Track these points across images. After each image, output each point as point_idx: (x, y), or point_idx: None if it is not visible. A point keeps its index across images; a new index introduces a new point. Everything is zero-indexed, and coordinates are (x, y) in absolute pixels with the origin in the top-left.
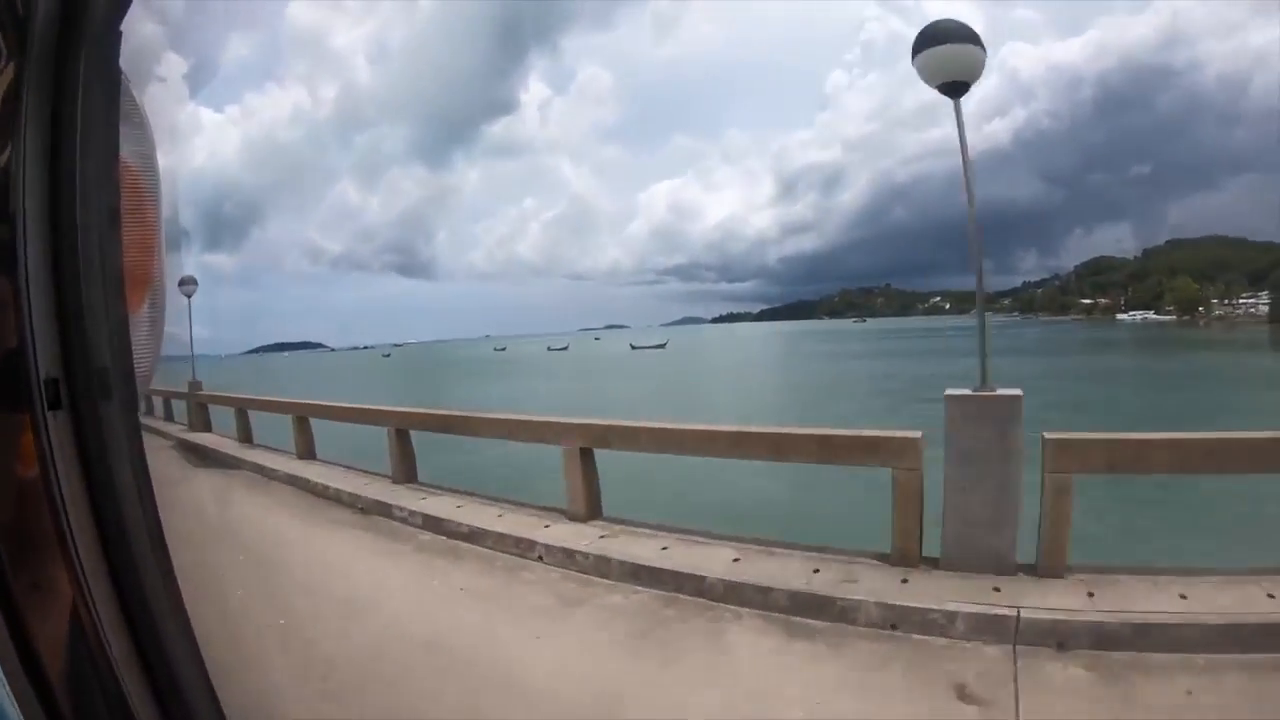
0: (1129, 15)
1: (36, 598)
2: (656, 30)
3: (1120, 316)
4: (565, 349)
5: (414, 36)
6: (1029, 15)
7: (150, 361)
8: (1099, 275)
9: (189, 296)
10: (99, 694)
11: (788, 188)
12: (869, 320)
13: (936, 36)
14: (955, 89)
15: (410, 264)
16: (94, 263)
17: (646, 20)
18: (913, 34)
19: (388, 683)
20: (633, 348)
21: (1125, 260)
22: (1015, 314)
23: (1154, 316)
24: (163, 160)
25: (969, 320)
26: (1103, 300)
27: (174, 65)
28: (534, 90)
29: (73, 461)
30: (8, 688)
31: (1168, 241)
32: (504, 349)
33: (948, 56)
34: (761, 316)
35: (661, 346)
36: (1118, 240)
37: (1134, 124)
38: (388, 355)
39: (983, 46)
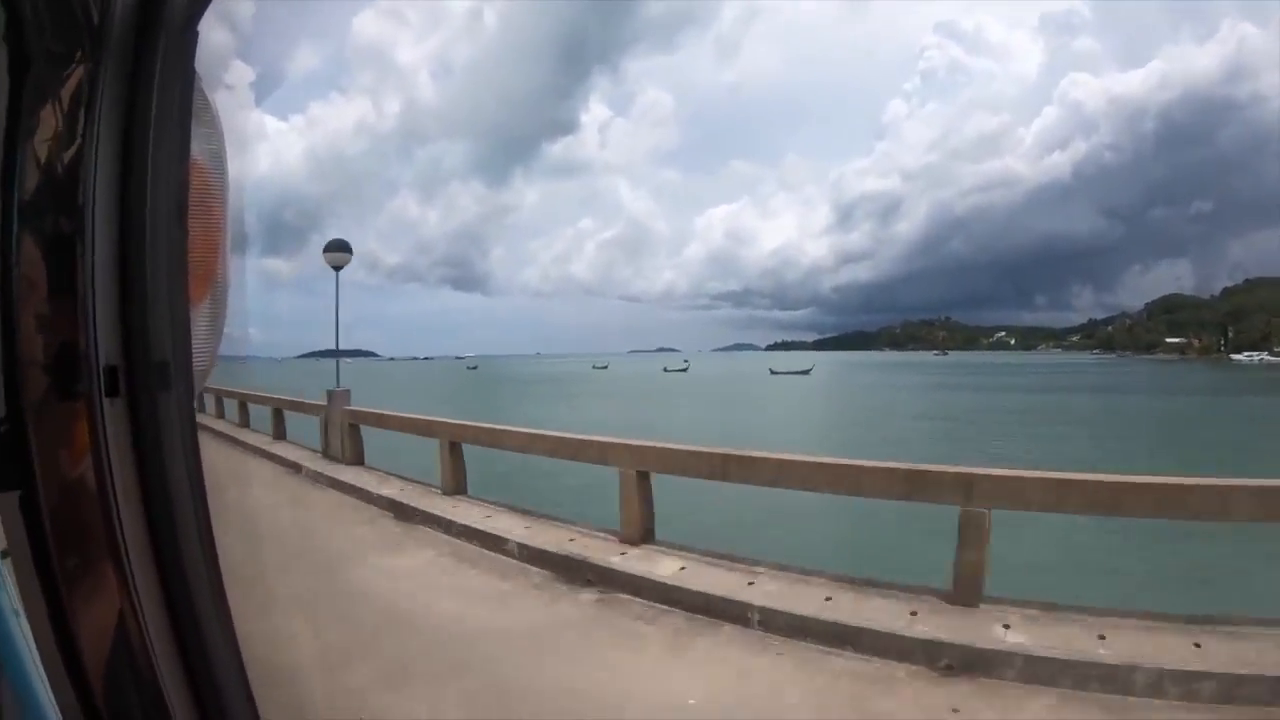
0: (1194, 45)
1: (79, 582)
2: (718, 54)
3: (1235, 357)
4: (685, 369)
5: (478, 54)
6: (1090, 45)
7: (209, 357)
8: (1171, 314)
9: (338, 269)
10: (134, 687)
11: (844, 216)
12: (949, 354)
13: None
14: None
15: (465, 278)
16: (160, 256)
17: (708, 45)
18: (974, 64)
19: None
20: (773, 372)
21: (1198, 299)
22: (1096, 351)
23: (1270, 357)
24: (230, 163)
25: (1039, 356)
26: (1196, 340)
27: (241, 73)
28: (595, 111)
29: (126, 450)
30: (43, 673)
31: (1246, 280)
32: (605, 366)
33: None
34: (819, 345)
35: (806, 372)
36: (1177, 278)
37: (1196, 158)
38: (473, 368)
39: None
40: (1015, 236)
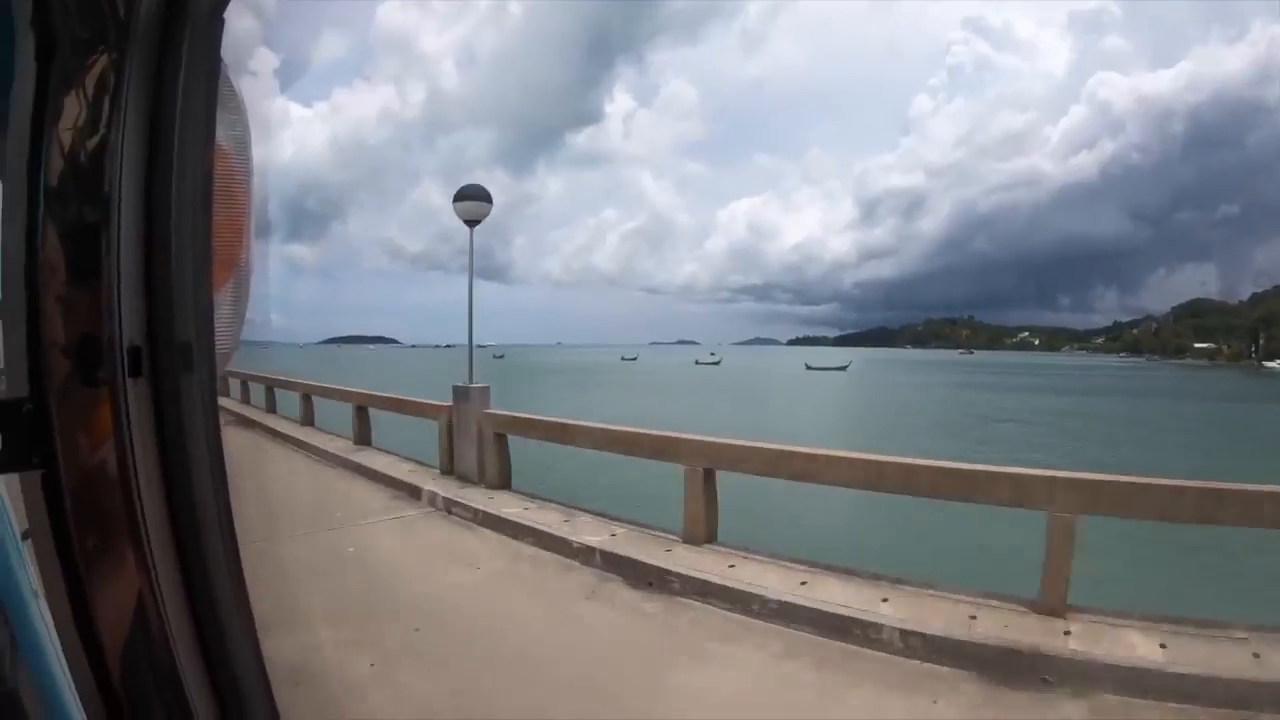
0: (1224, 45)
1: (99, 564)
2: (743, 47)
3: (1269, 364)
4: (717, 363)
5: (502, 43)
6: (1120, 44)
7: (231, 341)
8: (1198, 318)
9: (472, 222)
10: (150, 671)
11: (868, 211)
12: (975, 353)
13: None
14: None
15: (487, 267)
16: (185, 239)
17: (734, 37)
18: (1001, 60)
19: None
20: (809, 368)
21: (1226, 304)
22: (1123, 354)
23: None
24: (254, 150)
25: (1064, 358)
26: (1225, 346)
27: (266, 60)
28: (619, 101)
29: (149, 430)
30: (62, 656)
31: (1276, 286)
32: (635, 358)
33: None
34: (840, 341)
35: (843, 368)
36: (1202, 282)
37: (1224, 161)
38: (500, 357)
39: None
40: (1039, 236)
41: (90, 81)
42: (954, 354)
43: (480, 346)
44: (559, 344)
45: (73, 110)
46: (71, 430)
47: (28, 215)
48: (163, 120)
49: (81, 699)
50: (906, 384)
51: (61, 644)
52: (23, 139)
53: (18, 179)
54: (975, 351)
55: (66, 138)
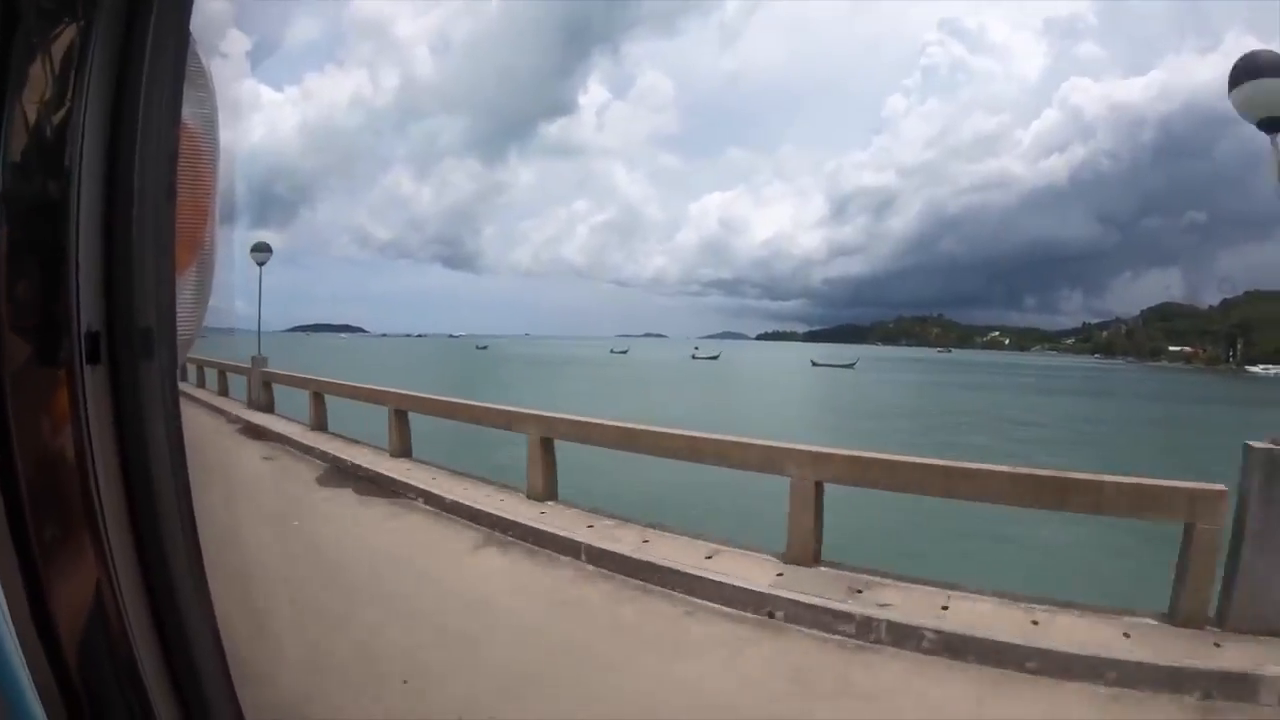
0: (1196, 55)
1: (57, 554)
2: (721, 40)
3: (1252, 369)
4: (716, 357)
5: (478, 30)
6: (1094, 50)
7: (194, 326)
8: (1168, 322)
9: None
10: (110, 667)
11: (838, 209)
12: (953, 352)
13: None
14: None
15: (456, 256)
16: (147, 221)
17: (712, 30)
18: (975, 63)
19: None
20: (814, 364)
21: (1196, 308)
22: (1097, 355)
23: None
24: (224, 132)
25: (1037, 358)
26: (1200, 350)
27: (237, 41)
28: (593, 92)
29: (107, 418)
30: (19, 649)
31: (1246, 293)
32: (625, 351)
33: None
34: (810, 337)
35: (850, 366)
36: (1166, 287)
37: (1192, 170)
38: (483, 348)
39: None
40: (1008, 238)
41: (54, 52)
42: (928, 352)
43: (452, 337)
44: (526, 335)
45: (36, 81)
46: (27, 417)
47: None
48: (127, 94)
49: (40, 696)
50: (924, 384)
51: (19, 639)
52: None
53: None
54: (953, 350)
55: (28, 110)
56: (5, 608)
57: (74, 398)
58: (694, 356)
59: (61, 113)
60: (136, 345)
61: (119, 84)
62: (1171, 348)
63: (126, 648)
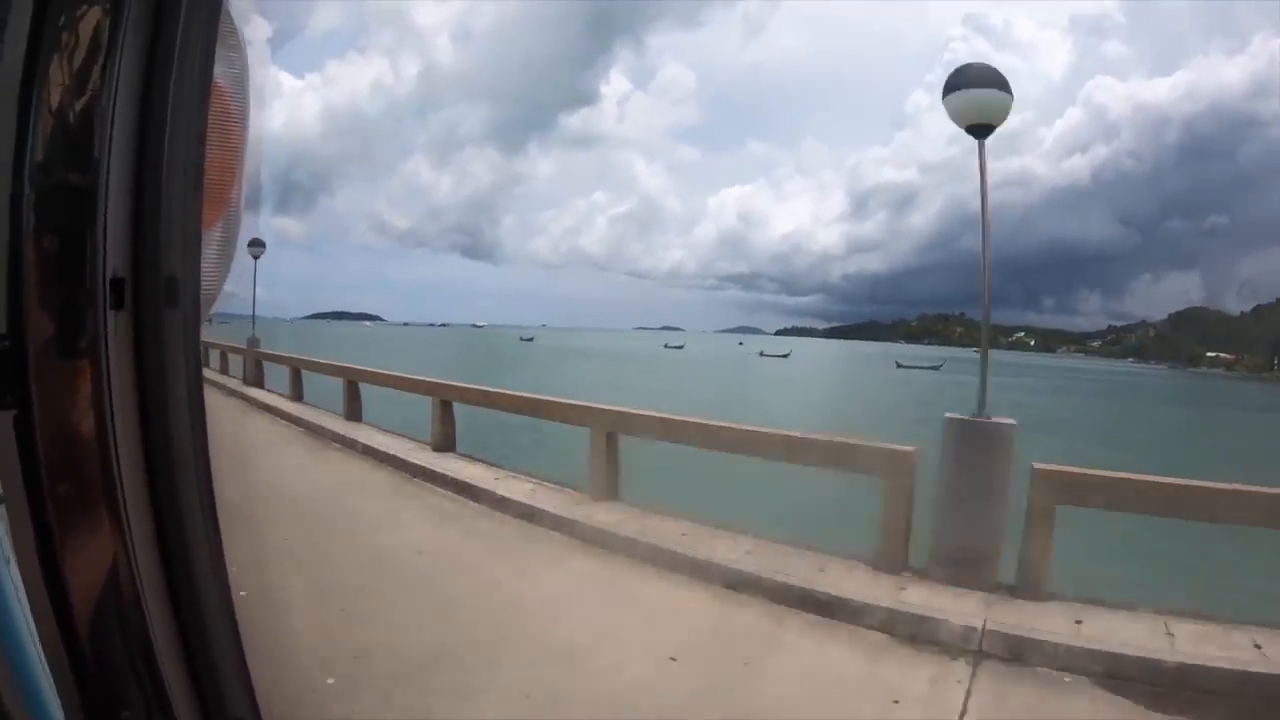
0: (1224, 57)
1: (71, 515)
2: (744, 33)
3: None
4: (787, 355)
5: (500, 19)
6: (1120, 50)
7: (217, 282)
8: (1196, 326)
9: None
10: (123, 644)
11: (859, 204)
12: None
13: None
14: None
15: (474, 246)
16: (176, 171)
17: (735, 22)
18: (999, 58)
19: None
20: (899, 365)
21: (1227, 314)
22: (1130, 359)
23: None
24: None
25: (1066, 360)
26: (1240, 357)
27: (259, 28)
28: (615, 84)
29: (128, 365)
30: (33, 624)
31: (1279, 299)
32: (681, 346)
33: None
34: (831, 334)
35: (937, 368)
36: (1186, 290)
37: (1216, 173)
38: (529, 339)
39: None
40: (1028, 237)
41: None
42: (969, 352)
43: (476, 327)
44: (544, 326)
45: (70, 31)
46: (47, 366)
47: (16, 131)
48: (161, 46)
49: (51, 670)
50: (1031, 389)
51: (34, 613)
52: (17, 53)
53: (8, 92)
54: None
55: (64, 58)
56: (21, 583)
57: (96, 344)
58: (763, 354)
59: (96, 59)
60: (161, 293)
61: (154, 34)
62: (1209, 354)
63: (142, 630)
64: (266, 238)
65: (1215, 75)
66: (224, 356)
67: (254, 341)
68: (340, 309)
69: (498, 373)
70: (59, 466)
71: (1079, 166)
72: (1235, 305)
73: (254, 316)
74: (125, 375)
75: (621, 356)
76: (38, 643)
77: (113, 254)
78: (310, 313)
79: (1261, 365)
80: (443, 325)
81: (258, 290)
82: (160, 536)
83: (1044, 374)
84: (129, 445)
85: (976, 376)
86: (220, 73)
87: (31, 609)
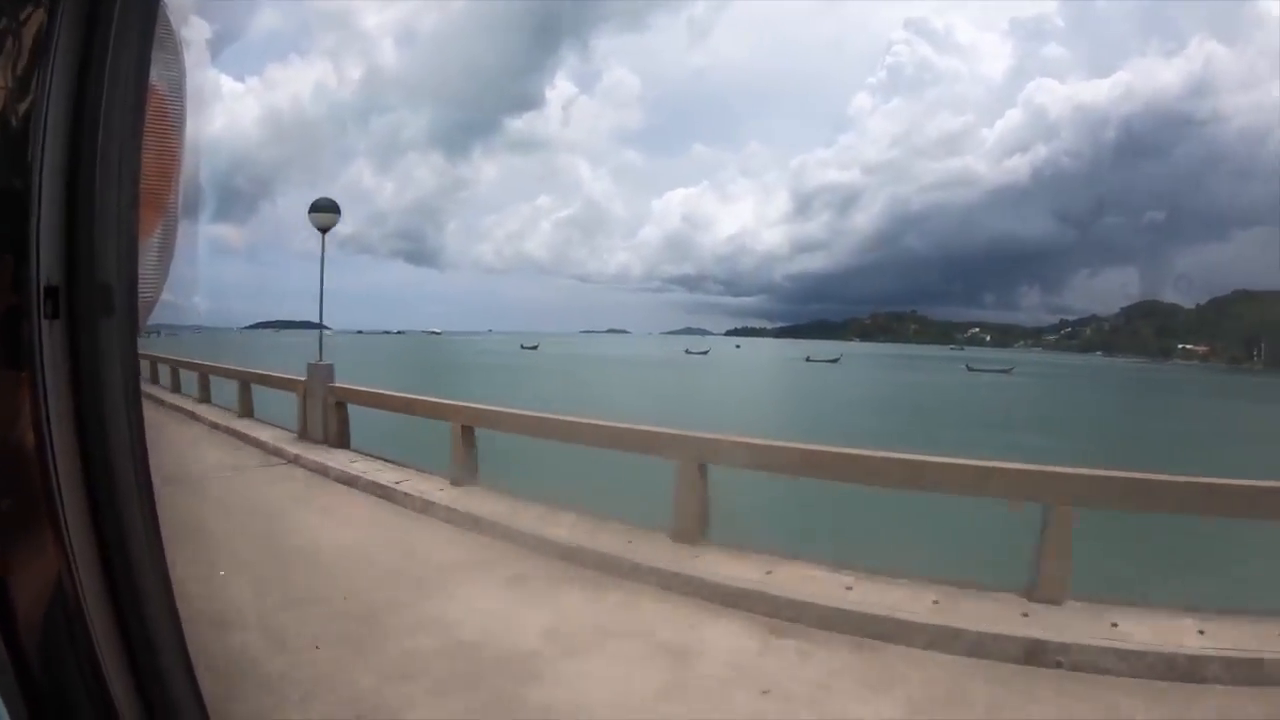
0: (1161, 59)
1: (9, 519)
2: (689, 36)
3: None
4: (836, 360)
5: (445, 22)
6: (1059, 52)
7: (155, 289)
8: (1152, 320)
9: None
10: (70, 653)
11: (803, 205)
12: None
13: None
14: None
15: (418, 252)
16: (111, 178)
17: (680, 26)
18: (942, 61)
19: None
20: (970, 368)
21: (1182, 307)
22: (1098, 353)
23: None
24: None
25: (1028, 355)
26: (1211, 349)
27: (199, 29)
28: (560, 88)
29: (64, 374)
30: None
31: (1234, 292)
32: (706, 351)
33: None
34: (780, 333)
35: (1006, 371)
36: (1124, 285)
37: (1153, 170)
38: (533, 347)
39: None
40: (969, 235)
41: (23, 1)
42: (943, 350)
43: (431, 334)
44: (489, 331)
45: (1, 31)
46: None
47: None
48: (95, 48)
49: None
50: (1047, 386)
51: None
52: None
53: None
54: (965, 348)
55: None
56: None
57: (31, 353)
58: (809, 360)
59: (26, 59)
60: (97, 301)
61: (87, 39)
62: (1180, 345)
63: (87, 639)
64: (206, 245)
65: (1152, 76)
66: (174, 373)
67: (324, 372)
68: (284, 318)
69: (567, 392)
70: None
71: (1019, 166)
72: (1173, 297)
73: (320, 331)
74: (61, 385)
75: (659, 364)
76: None
77: (46, 262)
78: (254, 322)
79: (1241, 356)
80: (399, 333)
81: (203, 301)
82: (101, 547)
83: (1054, 372)
84: (66, 456)
85: (1054, 380)
86: (157, 75)
87: None
